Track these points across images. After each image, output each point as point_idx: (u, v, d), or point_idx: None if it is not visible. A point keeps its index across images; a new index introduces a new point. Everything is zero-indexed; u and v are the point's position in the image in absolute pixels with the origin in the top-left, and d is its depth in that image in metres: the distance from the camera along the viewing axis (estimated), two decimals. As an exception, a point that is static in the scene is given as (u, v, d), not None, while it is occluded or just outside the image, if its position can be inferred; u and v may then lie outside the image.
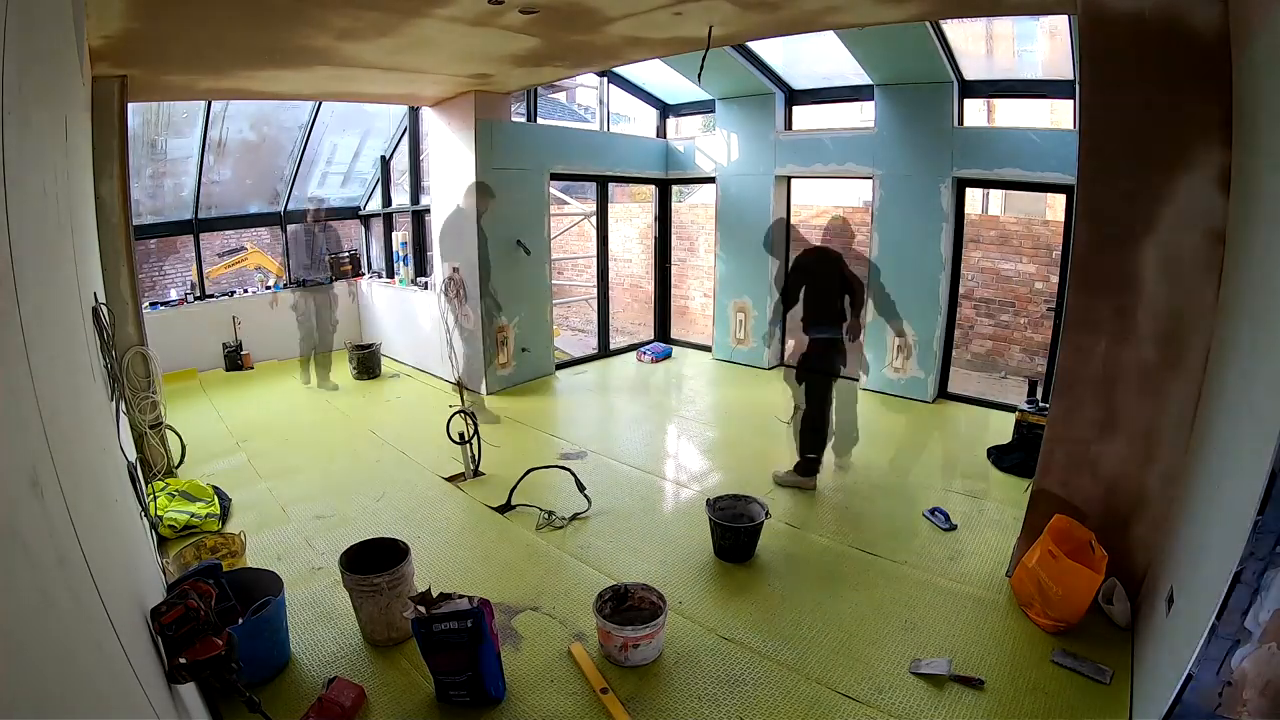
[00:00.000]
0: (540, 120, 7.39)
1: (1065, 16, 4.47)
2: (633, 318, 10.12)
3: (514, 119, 6.39)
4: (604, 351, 7.94)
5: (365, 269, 8.65)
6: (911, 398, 6.07)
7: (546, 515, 3.89)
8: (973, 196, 7.34)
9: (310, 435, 5.40)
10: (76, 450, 1.32)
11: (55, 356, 1.29)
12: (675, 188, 8.41)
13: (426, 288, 7.25)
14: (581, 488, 4.08)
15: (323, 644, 2.84)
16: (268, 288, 7.94)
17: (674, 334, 8.54)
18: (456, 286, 6.33)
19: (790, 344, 5.87)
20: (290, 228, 7.83)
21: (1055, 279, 6.59)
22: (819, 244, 4.35)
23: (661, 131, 7.97)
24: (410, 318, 7.48)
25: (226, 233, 7.84)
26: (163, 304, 7.16)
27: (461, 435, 4.40)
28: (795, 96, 6.76)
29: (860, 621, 2.97)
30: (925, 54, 5.19)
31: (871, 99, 6.06)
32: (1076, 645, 2.73)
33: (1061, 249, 6.23)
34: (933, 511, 3.92)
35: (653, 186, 8.06)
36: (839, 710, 2.46)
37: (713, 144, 7.26)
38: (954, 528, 3.75)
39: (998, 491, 4.24)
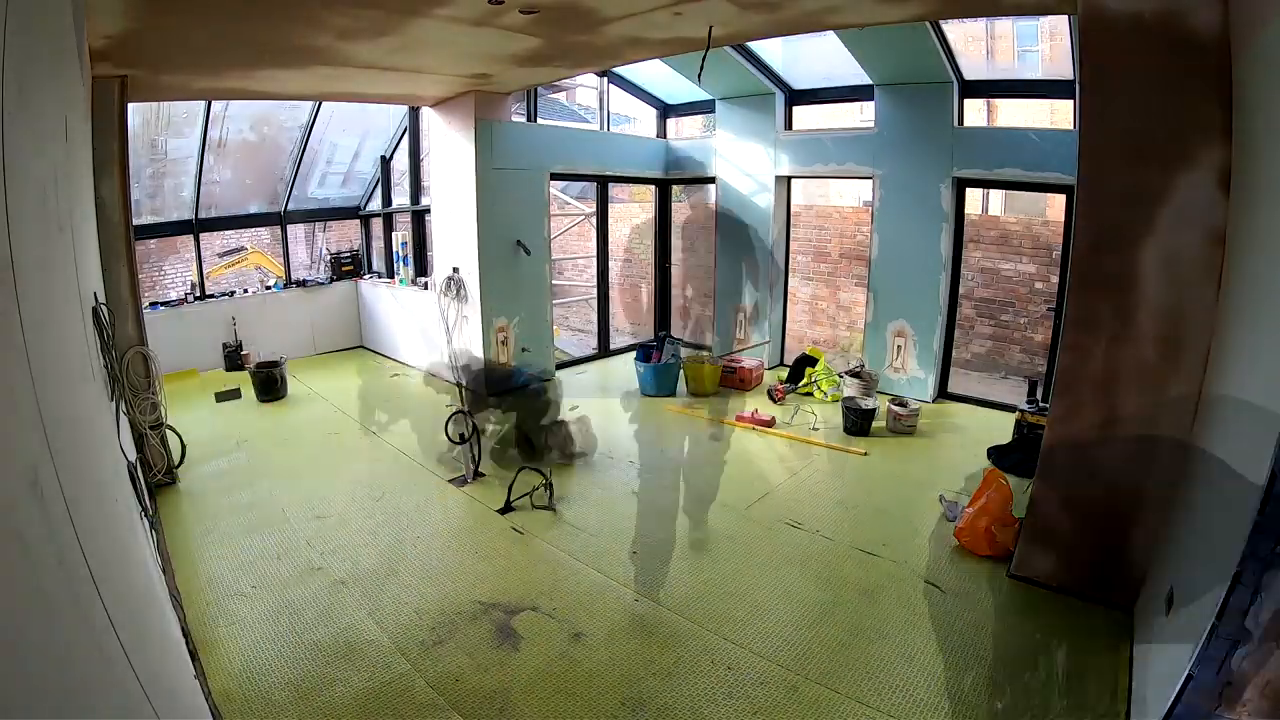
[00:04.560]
0: (540, 120, 7.39)
1: (1065, 17, 4.47)
2: (632, 318, 10.12)
3: (514, 119, 6.39)
4: (604, 351, 7.94)
5: (366, 269, 8.66)
6: (911, 397, 6.07)
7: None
8: (973, 196, 7.34)
9: (310, 435, 5.40)
10: (76, 450, 1.32)
11: (55, 356, 1.29)
12: (675, 188, 8.40)
13: (427, 288, 7.25)
14: (549, 491, 4.10)
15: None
16: (268, 288, 7.94)
17: (674, 334, 8.54)
18: (456, 286, 6.33)
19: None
20: None
21: (1055, 279, 6.59)
22: None
23: (661, 131, 7.97)
24: (411, 318, 7.48)
25: (226, 233, 7.84)
26: (163, 304, 7.16)
27: (461, 435, 4.40)
28: (795, 96, 6.76)
29: (860, 620, 2.98)
30: (925, 54, 5.19)
31: (871, 99, 6.06)
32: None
33: (1061, 249, 6.23)
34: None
35: (653, 186, 8.06)
36: (839, 710, 2.46)
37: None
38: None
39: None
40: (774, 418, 5.54)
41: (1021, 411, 4.77)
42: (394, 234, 8.22)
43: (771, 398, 6.14)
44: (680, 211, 9.00)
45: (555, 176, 6.80)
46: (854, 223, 8.41)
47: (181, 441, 4.71)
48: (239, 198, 7.62)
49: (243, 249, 7.96)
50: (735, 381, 6.50)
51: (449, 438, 4.40)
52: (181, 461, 4.69)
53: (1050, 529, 3.14)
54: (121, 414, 3.27)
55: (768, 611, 3.05)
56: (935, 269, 5.79)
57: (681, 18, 3.71)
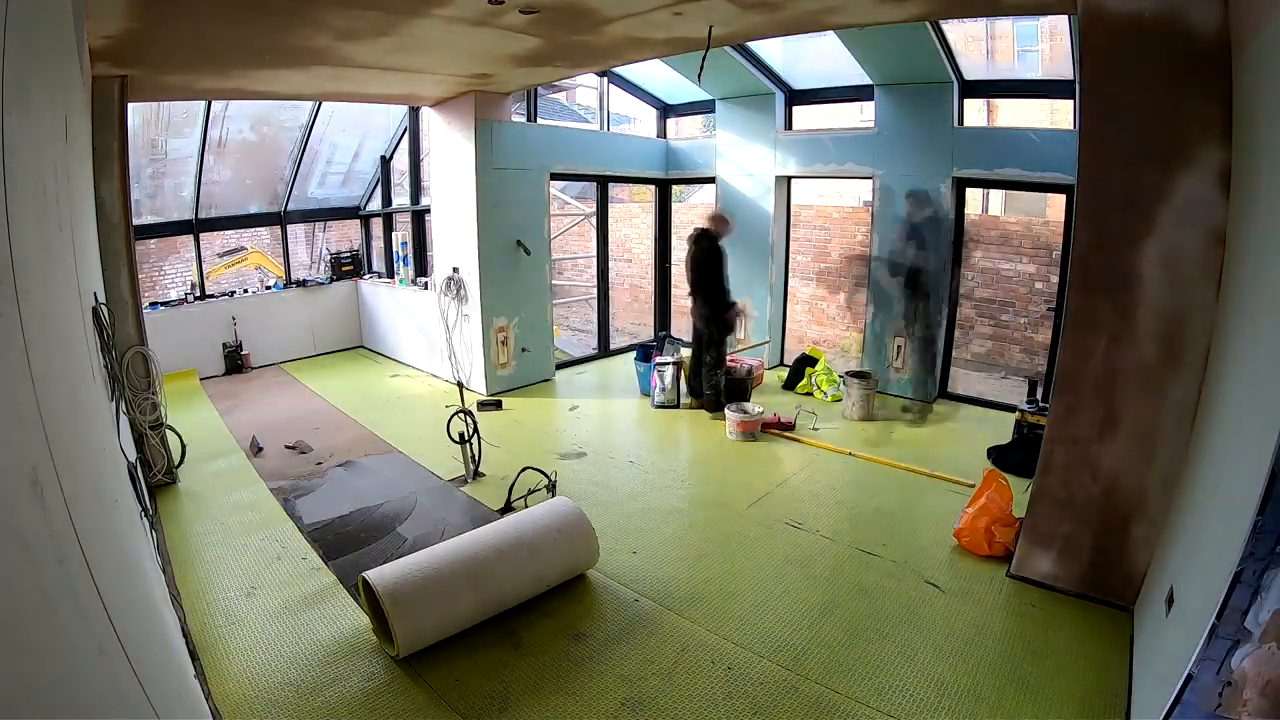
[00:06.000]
0: (540, 120, 7.39)
1: (1065, 16, 4.47)
2: (633, 318, 10.12)
3: (514, 119, 6.39)
4: (604, 351, 7.94)
5: (366, 269, 8.66)
6: (912, 397, 6.07)
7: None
8: (973, 196, 7.34)
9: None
10: (76, 450, 1.32)
11: (55, 356, 1.28)
12: (675, 188, 8.40)
13: (427, 288, 7.25)
14: (551, 491, 4.15)
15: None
16: (268, 288, 7.94)
17: (674, 333, 8.54)
18: (456, 286, 6.33)
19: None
20: None
21: (1055, 279, 6.59)
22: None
23: (661, 131, 7.97)
24: (411, 318, 7.48)
25: (226, 233, 7.85)
26: (163, 304, 7.16)
27: (461, 435, 4.40)
28: (795, 96, 6.76)
29: (860, 620, 2.98)
30: (925, 54, 5.19)
31: (871, 99, 6.06)
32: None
33: (1061, 249, 6.23)
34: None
35: (653, 186, 8.06)
36: (839, 710, 2.46)
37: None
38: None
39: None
40: (795, 421, 5.41)
41: (1021, 411, 4.77)
42: (394, 234, 8.23)
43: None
44: (680, 212, 9.00)
45: (555, 176, 6.80)
46: (854, 223, 8.42)
47: (181, 441, 4.72)
48: (239, 197, 7.62)
49: (243, 249, 7.96)
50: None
51: (450, 437, 4.40)
52: (181, 461, 4.69)
53: (1050, 529, 3.14)
54: (121, 414, 3.27)
55: (768, 611, 3.05)
56: (935, 269, 5.78)
57: (681, 18, 3.71)
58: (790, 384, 6.48)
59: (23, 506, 0.89)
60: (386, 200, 8.31)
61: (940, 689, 2.54)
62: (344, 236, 9.10)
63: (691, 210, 9.98)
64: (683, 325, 9.18)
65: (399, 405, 6.23)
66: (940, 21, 4.87)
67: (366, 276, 8.48)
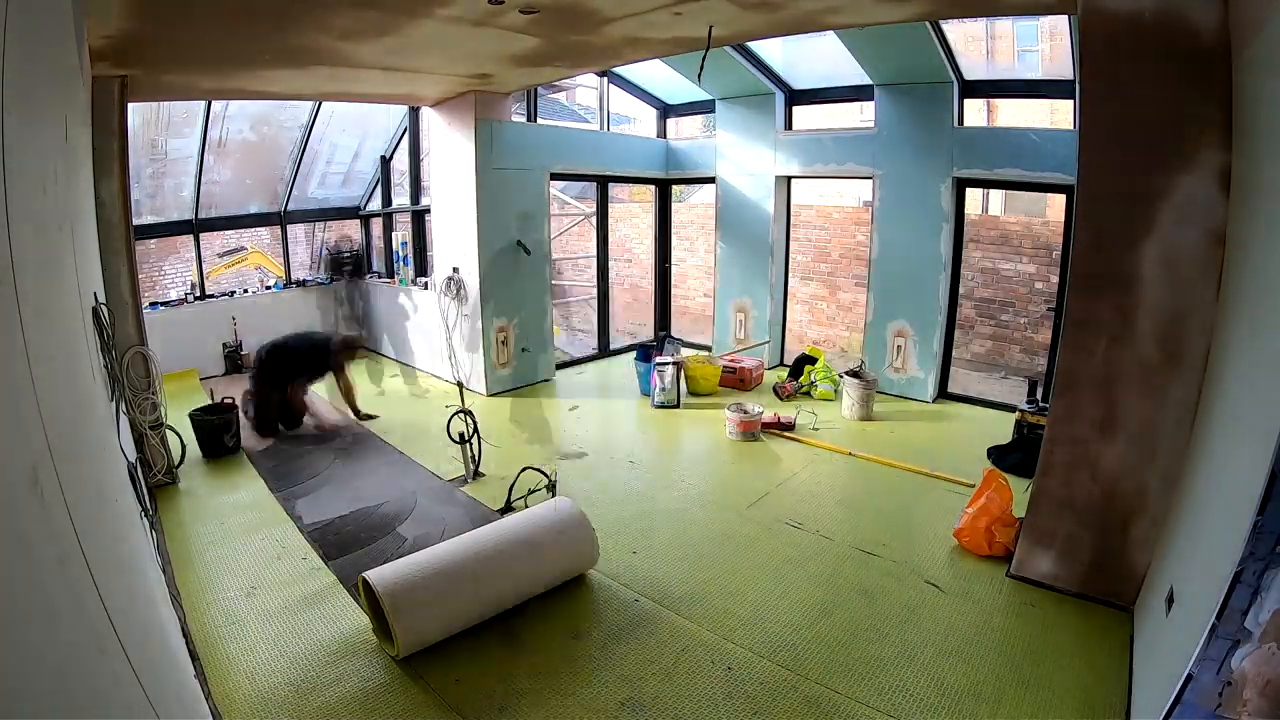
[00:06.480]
0: (540, 120, 7.39)
1: (1065, 16, 4.47)
2: (633, 317, 10.12)
3: (514, 119, 6.39)
4: (604, 351, 7.94)
5: (366, 269, 8.65)
6: (911, 397, 6.07)
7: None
8: (973, 196, 7.34)
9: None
10: (76, 450, 1.32)
11: (55, 356, 1.28)
12: (675, 188, 8.40)
13: (427, 288, 7.25)
14: (552, 491, 4.10)
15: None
16: (268, 288, 7.94)
17: (674, 333, 8.54)
18: (456, 286, 6.33)
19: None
20: None
21: (1055, 279, 6.59)
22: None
23: (661, 131, 7.97)
24: (410, 318, 7.48)
25: (226, 233, 7.85)
26: (163, 304, 7.16)
27: (461, 435, 4.40)
28: (795, 96, 6.76)
29: (860, 620, 2.98)
30: (925, 54, 5.19)
31: (871, 99, 6.06)
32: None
33: (1061, 249, 6.23)
34: None
35: (653, 186, 8.06)
36: (839, 710, 2.46)
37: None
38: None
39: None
40: (795, 421, 5.42)
41: (1021, 411, 4.77)
42: (394, 234, 8.22)
43: (778, 394, 6.14)
44: (680, 212, 9.01)
45: (555, 176, 6.80)
46: (854, 223, 8.43)
47: (181, 441, 4.72)
48: (239, 198, 7.62)
49: (243, 249, 7.96)
50: (735, 381, 6.50)
51: (450, 437, 4.40)
52: (181, 461, 4.69)
53: (1050, 529, 3.15)
54: (121, 414, 3.27)
55: (768, 611, 3.05)
56: (935, 269, 5.79)
57: (681, 18, 3.71)
58: (793, 378, 6.48)
59: (23, 506, 0.89)
60: (386, 200, 8.31)
61: (940, 689, 2.54)
62: (344, 236, 9.09)
63: (691, 210, 9.99)
64: (683, 325, 9.20)
65: (399, 404, 6.23)
66: (940, 21, 4.87)
67: (366, 277, 8.48)
